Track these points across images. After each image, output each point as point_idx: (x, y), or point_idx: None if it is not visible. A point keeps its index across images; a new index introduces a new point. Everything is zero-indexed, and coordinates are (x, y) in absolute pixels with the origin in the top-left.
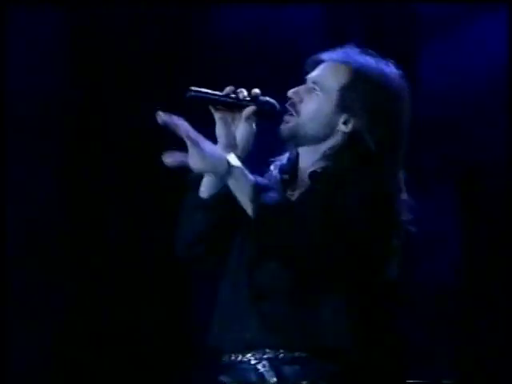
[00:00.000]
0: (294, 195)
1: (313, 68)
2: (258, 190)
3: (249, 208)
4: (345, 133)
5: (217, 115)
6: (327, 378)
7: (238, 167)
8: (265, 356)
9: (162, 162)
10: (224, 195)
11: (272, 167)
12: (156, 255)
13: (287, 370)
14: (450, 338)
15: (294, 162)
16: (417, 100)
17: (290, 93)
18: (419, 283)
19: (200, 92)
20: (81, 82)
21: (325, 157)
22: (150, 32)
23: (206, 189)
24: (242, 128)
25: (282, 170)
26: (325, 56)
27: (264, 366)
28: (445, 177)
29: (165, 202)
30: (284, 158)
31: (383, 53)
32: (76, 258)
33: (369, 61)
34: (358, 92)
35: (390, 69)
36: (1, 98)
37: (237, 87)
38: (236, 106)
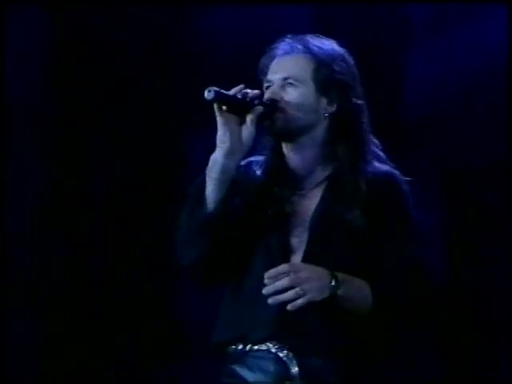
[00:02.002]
0: (304, 194)
1: (267, 67)
2: None
3: None
4: (331, 114)
5: (221, 119)
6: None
7: None
8: (282, 346)
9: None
10: (228, 205)
11: (245, 164)
12: (143, 253)
13: (310, 362)
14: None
15: (279, 157)
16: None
17: (268, 96)
18: None
19: (219, 91)
20: (66, 83)
21: (323, 147)
22: (138, 32)
23: (212, 199)
24: (248, 131)
25: (269, 166)
26: (276, 52)
27: (287, 355)
28: (434, 176)
29: (153, 200)
30: (258, 156)
31: (376, 53)
32: (63, 251)
33: (323, 44)
34: (329, 74)
35: (337, 46)
36: None
37: (230, 87)
38: (246, 106)
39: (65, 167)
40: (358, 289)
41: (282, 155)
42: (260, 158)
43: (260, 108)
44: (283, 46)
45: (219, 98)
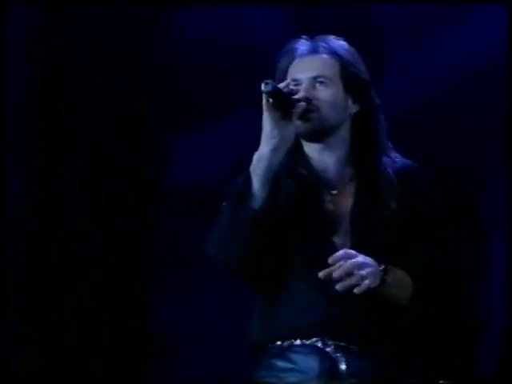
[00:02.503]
0: (336, 194)
1: (287, 67)
2: None
3: None
4: (355, 113)
5: (270, 114)
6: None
7: None
8: (331, 342)
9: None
10: (274, 201)
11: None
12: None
13: (357, 361)
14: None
15: (304, 159)
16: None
17: (301, 93)
18: None
19: (275, 85)
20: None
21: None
22: (113, 34)
23: (259, 196)
24: (292, 127)
25: (296, 169)
26: (296, 52)
27: (335, 352)
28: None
29: (133, 202)
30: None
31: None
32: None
33: (342, 44)
34: (354, 73)
35: (351, 46)
36: None
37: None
38: (292, 102)
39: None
40: (401, 277)
41: (307, 157)
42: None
43: (304, 105)
44: (302, 45)
45: (274, 92)
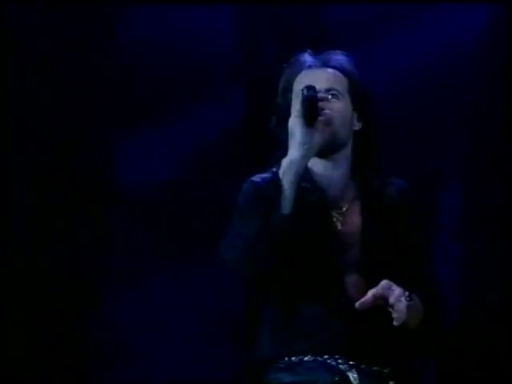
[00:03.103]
0: (343, 213)
1: (297, 73)
2: None
3: None
4: (357, 130)
5: (303, 120)
6: None
7: None
8: (343, 361)
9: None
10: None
11: (261, 181)
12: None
13: (366, 380)
14: None
15: (307, 171)
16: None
17: (325, 104)
18: None
19: (315, 91)
20: None
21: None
22: (61, 35)
23: (289, 202)
24: (318, 135)
25: (302, 185)
26: (303, 65)
27: (347, 370)
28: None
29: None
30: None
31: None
32: None
33: (349, 61)
34: (360, 90)
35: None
36: None
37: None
38: (319, 111)
39: None
40: (417, 301)
41: (311, 171)
42: (269, 175)
43: (329, 113)
44: (309, 58)
45: (315, 98)
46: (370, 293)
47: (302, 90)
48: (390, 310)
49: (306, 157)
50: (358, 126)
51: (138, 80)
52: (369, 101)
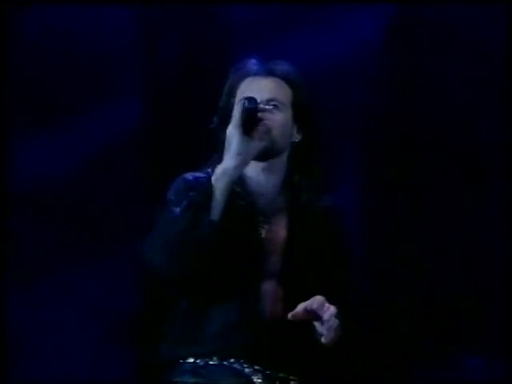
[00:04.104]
0: (271, 222)
1: (237, 86)
2: None
3: None
4: (296, 142)
5: (240, 130)
6: None
7: None
8: (248, 365)
9: None
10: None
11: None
12: None
13: (271, 381)
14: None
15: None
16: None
17: (260, 114)
18: None
19: (256, 103)
20: None
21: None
22: None
23: (219, 209)
24: (255, 144)
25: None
26: (247, 72)
27: (252, 375)
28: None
29: None
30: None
31: None
32: None
33: (295, 71)
34: (303, 102)
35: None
36: None
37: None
38: (258, 120)
39: None
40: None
41: (245, 176)
42: (203, 175)
43: (267, 123)
44: (255, 66)
45: (255, 110)
46: (303, 306)
47: (243, 101)
48: (318, 325)
49: (240, 166)
50: (297, 137)
51: (36, 80)
52: (311, 113)
